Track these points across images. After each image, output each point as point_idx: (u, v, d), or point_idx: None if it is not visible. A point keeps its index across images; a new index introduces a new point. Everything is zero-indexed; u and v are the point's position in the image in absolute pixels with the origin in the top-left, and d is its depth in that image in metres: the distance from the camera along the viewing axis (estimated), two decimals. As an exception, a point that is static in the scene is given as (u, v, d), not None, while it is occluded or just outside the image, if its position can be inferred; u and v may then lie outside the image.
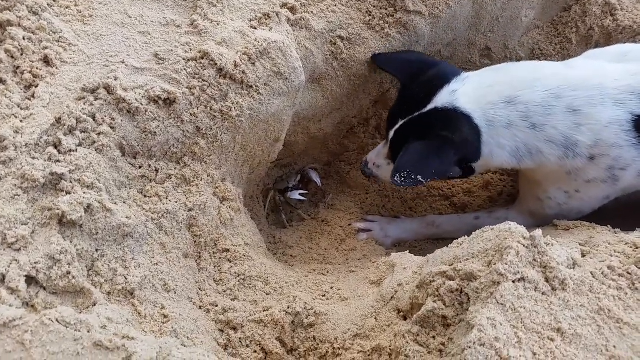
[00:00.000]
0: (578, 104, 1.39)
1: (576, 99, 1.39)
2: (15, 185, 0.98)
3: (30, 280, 0.90)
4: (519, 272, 1.00)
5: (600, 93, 1.39)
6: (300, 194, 1.87)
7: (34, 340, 0.80)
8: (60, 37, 1.26)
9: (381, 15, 1.66)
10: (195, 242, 1.24)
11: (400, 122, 1.51)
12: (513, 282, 0.99)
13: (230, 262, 1.29)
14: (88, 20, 1.33)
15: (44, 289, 0.91)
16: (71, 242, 0.97)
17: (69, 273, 0.92)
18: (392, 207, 1.96)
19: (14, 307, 0.85)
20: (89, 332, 0.82)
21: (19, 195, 0.97)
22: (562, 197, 1.57)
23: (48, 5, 1.31)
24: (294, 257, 1.71)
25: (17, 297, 0.87)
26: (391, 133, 1.55)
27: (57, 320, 0.82)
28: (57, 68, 1.20)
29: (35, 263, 0.90)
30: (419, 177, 1.39)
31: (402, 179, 1.39)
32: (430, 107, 1.46)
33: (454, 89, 1.45)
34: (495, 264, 1.02)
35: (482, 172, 1.76)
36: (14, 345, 0.79)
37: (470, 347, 0.90)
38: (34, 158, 1.02)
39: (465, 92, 1.45)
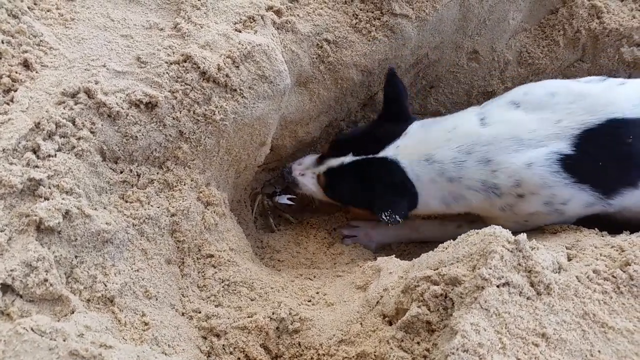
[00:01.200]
0: (489, 156, 1.50)
1: (488, 153, 1.50)
2: (-8, 191, 0.96)
3: (6, 288, 0.89)
4: (503, 277, 1.00)
5: (515, 143, 1.48)
6: (288, 198, 1.86)
7: (7, 350, 0.78)
8: (40, 40, 1.24)
9: (368, 19, 1.66)
10: (178, 247, 1.23)
11: (350, 157, 1.65)
12: (497, 286, 0.99)
13: (215, 267, 1.28)
14: (70, 24, 1.32)
15: (20, 296, 0.89)
16: (49, 248, 0.95)
17: (46, 280, 0.90)
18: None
19: (-12, 316, 0.83)
20: (64, 340, 0.80)
21: (-5, 202, 0.95)
22: (517, 227, 1.54)
23: (28, 8, 1.29)
24: (282, 261, 1.70)
25: (-8, 305, 0.85)
26: (334, 161, 1.68)
27: (31, 329, 0.81)
28: (37, 72, 1.18)
29: (11, 270, 0.89)
30: (396, 216, 1.54)
31: (388, 217, 1.54)
32: (381, 154, 1.63)
33: (398, 145, 1.62)
34: (479, 269, 1.01)
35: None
36: (-13, 356, 0.77)
37: (453, 354, 0.89)
38: (11, 164, 1.00)
39: (404, 146, 1.62)
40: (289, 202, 1.86)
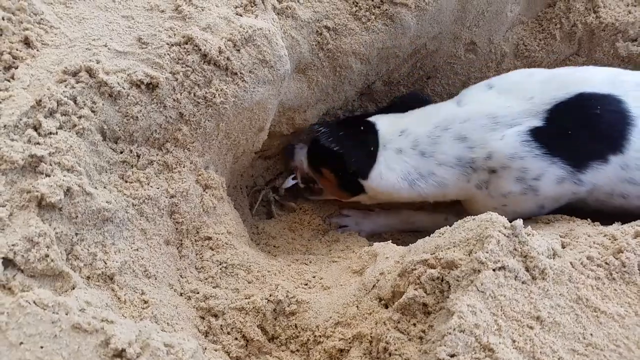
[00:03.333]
0: (466, 133, 1.52)
1: (463, 130, 1.52)
2: (-7, 166, 0.96)
3: (8, 262, 0.88)
4: (499, 261, 1.01)
5: (491, 122, 1.50)
6: (292, 179, 1.89)
7: (10, 322, 0.78)
8: (41, 19, 1.23)
9: (367, 7, 1.66)
10: (176, 229, 1.23)
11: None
12: (493, 270, 1.00)
13: (212, 250, 1.28)
14: (70, 3, 1.31)
15: (22, 271, 0.90)
16: (50, 225, 0.95)
17: (47, 256, 0.91)
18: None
19: (-10, 289, 0.83)
20: (67, 314, 0.81)
21: (-4, 177, 0.95)
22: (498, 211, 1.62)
23: (28, -14, 1.29)
24: (277, 247, 1.71)
25: (-7, 279, 0.86)
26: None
27: (34, 302, 0.81)
28: (37, 50, 1.18)
29: (12, 245, 0.89)
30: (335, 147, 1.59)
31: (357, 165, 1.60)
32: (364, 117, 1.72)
33: (380, 115, 1.69)
34: (476, 253, 1.03)
35: (369, 201, 1.83)
36: (-11, 327, 0.78)
37: (450, 334, 0.90)
38: (12, 140, 1.00)
39: (387, 118, 1.68)
40: (295, 181, 1.88)
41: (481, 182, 1.54)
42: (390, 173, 1.60)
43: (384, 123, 1.67)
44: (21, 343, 0.77)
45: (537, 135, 1.45)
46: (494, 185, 1.53)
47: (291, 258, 1.54)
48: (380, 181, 1.63)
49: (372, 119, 1.70)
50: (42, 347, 0.77)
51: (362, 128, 1.69)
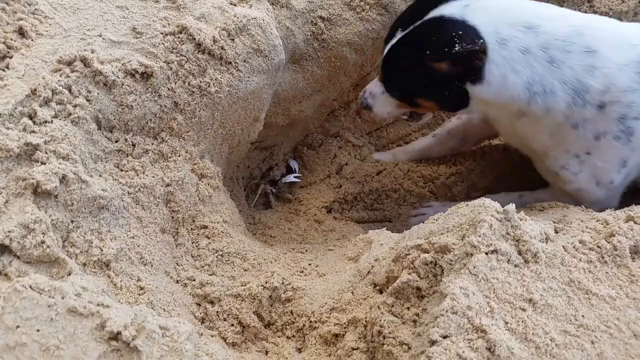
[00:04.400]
0: (596, 44, 1.31)
1: (595, 39, 1.31)
2: (-11, 155, 0.97)
3: (4, 249, 0.89)
4: (492, 245, 1.02)
5: (618, 35, 1.35)
6: (294, 177, 1.90)
7: (7, 307, 0.79)
8: (35, 9, 1.24)
9: (362, -4, 1.67)
10: (172, 217, 1.24)
11: (399, 35, 1.39)
12: (486, 253, 1.01)
13: (209, 238, 1.29)
14: (64, -6, 1.31)
15: (18, 257, 0.90)
16: (46, 212, 0.96)
17: (43, 242, 0.91)
18: (369, 189, 1.96)
19: (-14, 275, 0.84)
20: (62, 298, 0.82)
21: (-8, 165, 0.96)
22: (574, 164, 1.44)
23: (23, -24, 1.29)
24: (273, 237, 1.72)
25: (-10, 265, 0.86)
26: (386, 48, 1.43)
27: (30, 286, 0.82)
28: (32, 40, 1.18)
29: (8, 232, 0.89)
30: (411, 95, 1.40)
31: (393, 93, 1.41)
32: (433, 14, 1.34)
33: (467, 3, 1.33)
34: (468, 237, 1.04)
35: (479, 111, 1.56)
36: (-14, 311, 0.79)
37: (443, 315, 0.91)
38: (8, 128, 1.01)
39: (480, 7, 1.33)
40: (296, 180, 1.90)
41: (581, 120, 1.35)
42: (516, 78, 1.32)
43: (479, 16, 1.31)
44: (17, 326, 0.78)
45: None
46: (592, 124, 1.35)
47: (287, 247, 1.55)
48: (501, 87, 1.34)
49: (448, 13, 1.32)
50: (38, 331, 0.78)
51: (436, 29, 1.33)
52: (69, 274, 0.93)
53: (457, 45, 1.27)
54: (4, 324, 0.78)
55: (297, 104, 1.79)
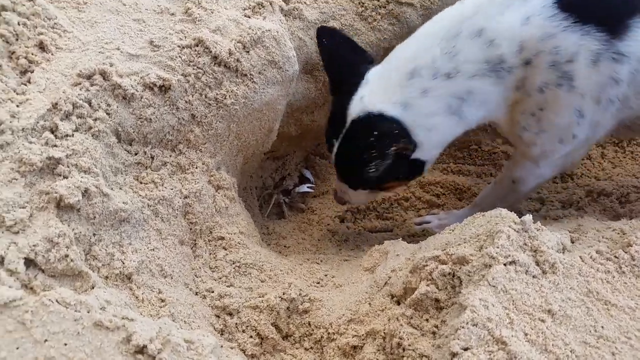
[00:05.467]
0: (480, 25, 1.29)
1: (477, 23, 1.29)
2: (13, 169, 0.98)
3: (29, 262, 0.90)
4: (510, 255, 1.03)
5: (503, 3, 1.29)
6: (308, 187, 1.92)
7: (35, 320, 0.80)
8: (55, 23, 1.26)
9: (373, 7, 1.69)
10: (190, 229, 1.25)
11: (336, 145, 1.44)
12: (504, 265, 1.02)
13: (226, 249, 1.30)
14: (82, 7, 1.33)
15: (43, 271, 0.91)
16: (69, 225, 0.97)
17: (67, 256, 0.92)
18: (381, 197, 1.97)
19: (14, 289, 0.85)
20: (88, 312, 0.83)
21: (16, 179, 0.97)
22: (532, 122, 1.39)
23: (42, -9, 1.31)
24: (288, 247, 1.73)
25: (16, 279, 0.88)
26: (332, 157, 1.49)
27: (56, 300, 0.83)
28: (52, 54, 1.20)
29: (33, 246, 0.91)
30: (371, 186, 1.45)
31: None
32: (348, 122, 1.39)
33: (362, 95, 1.37)
34: (486, 248, 1.04)
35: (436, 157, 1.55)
36: (15, 325, 0.80)
37: (463, 327, 0.92)
38: (30, 142, 1.02)
39: (372, 91, 1.37)
40: (310, 190, 1.91)
41: (519, 82, 1.33)
42: (436, 118, 1.35)
43: (374, 101, 1.35)
44: (46, 340, 0.79)
45: (561, 3, 1.25)
46: (530, 79, 1.32)
47: (302, 257, 1.56)
48: (431, 138, 1.38)
49: (355, 113, 1.37)
50: (65, 345, 0.79)
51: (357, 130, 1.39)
52: (92, 288, 0.94)
53: (383, 141, 1.32)
54: (32, 338, 0.79)
55: (310, 114, 1.80)
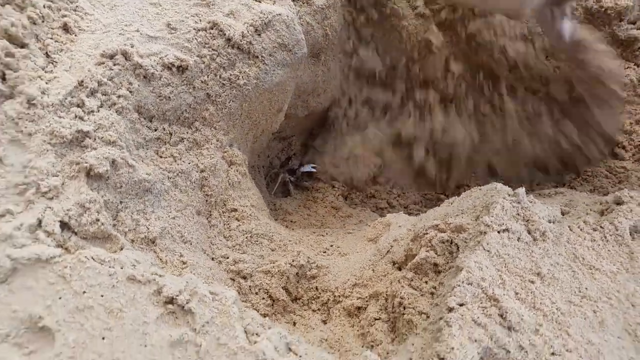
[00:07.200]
0: None
1: None
2: (45, 141, 1.06)
3: (64, 225, 0.99)
4: (503, 224, 1.12)
5: None
6: (312, 167, 2.00)
7: (73, 275, 0.89)
8: (77, 6, 1.33)
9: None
10: (206, 201, 1.33)
11: None
12: (498, 232, 1.10)
13: (238, 220, 1.39)
14: (102, -8, 1.40)
15: (75, 233, 1.00)
16: (98, 192, 1.05)
17: (97, 220, 1.01)
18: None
19: (52, 247, 0.93)
20: (122, 268, 0.91)
21: (48, 150, 1.05)
22: None
23: (63, -24, 1.38)
24: (294, 222, 1.82)
25: (53, 239, 0.96)
26: None
27: (92, 257, 0.92)
28: (75, 35, 1.27)
29: (67, 210, 0.99)
30: None
31: None
32: None
33: None
34: (482, 217, 1.13)
35: None
36: (56, 278, 0.88)
37: (459, 286, 1.01)
38: (60, 117, 1.10)
39: None
40: (313, 170, 2.00)
41: None
42: None
43: None
44: (84, 292, 0.88)
45: None
46: None
47: (308, 231, 1.64)
48: None
49: None
50: (102, 296, 0.88)
51: None
52: (121, 249, 1.03)
53: None
54: (72, 289, 0.88)
55: (316, 97, 1.88)
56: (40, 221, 0.96)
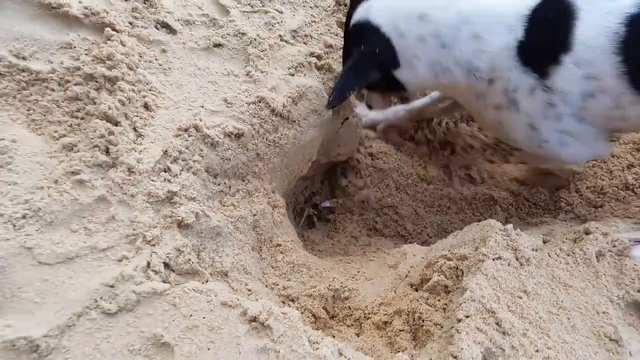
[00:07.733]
0: (480, 30, 1.51)
1: (479, 26, 1.51)
2: (144, 200, 1.39)
3: (165, 265, 1.31)
4: (497, 253, 1.44)
5: (497, 20, 1.51)
6: (330, 202, 2.33)
7: (181, 302, 1.21)
8: (152, 87, 1.67)
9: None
10: (258, 239, 1.66)
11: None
12: (493, 259, 1.42)
13: (282, 253, 1.71)
14: (168, 72, 1.74)
15: (174, 271, 1.32)
16: (187, 238, 1.38)
17: (189, 260, 1.33)
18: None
19: (161, 282, 1.26)
20: (216, 296, 1.24)
21: (147, 207, 1.38)
22: (489, 122, 1.71)
23: (138, 61, 1.72)
24: (321, 251, 2.14)
25: (159, 276, 1.28)
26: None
27: (192, 289, 1.24)
28: (154, 112, 1.61)
29: (167, 253, 1.31)
30: (345, 93, 1.67)
31: (332, 99, 1.70)
32: (351, 23, 1.68)
33: (369, 5, 1.63)
34: (480, 248, 1.46)
35: (418, 89, 1.90)
36: (169, 306, 1.20)
37: (465, 302, 1.33)
38: (153, 180, 1.43)
39: (379, 6, 1.62)
40: (331, 205, 2.32)
41: (480, 93, 1.60)
42: (419, 63, 1.60)
43: (379, 15, 1.60)
44: (191, 315, 1.20)
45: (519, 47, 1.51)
46: (488, 95, 1.59)
47: (336, 259, 1.97)
48: (410, 72, 1.63)
49: (360, 18, 1.64)
50: (204, 317, 1.20)
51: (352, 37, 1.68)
52: (207, 282, 1.35)
53: (363, 45, 1.62)
54: (181, 313, 1.20)
55: (336, 148, 2.23)
56: (149, 263, 1.29)
